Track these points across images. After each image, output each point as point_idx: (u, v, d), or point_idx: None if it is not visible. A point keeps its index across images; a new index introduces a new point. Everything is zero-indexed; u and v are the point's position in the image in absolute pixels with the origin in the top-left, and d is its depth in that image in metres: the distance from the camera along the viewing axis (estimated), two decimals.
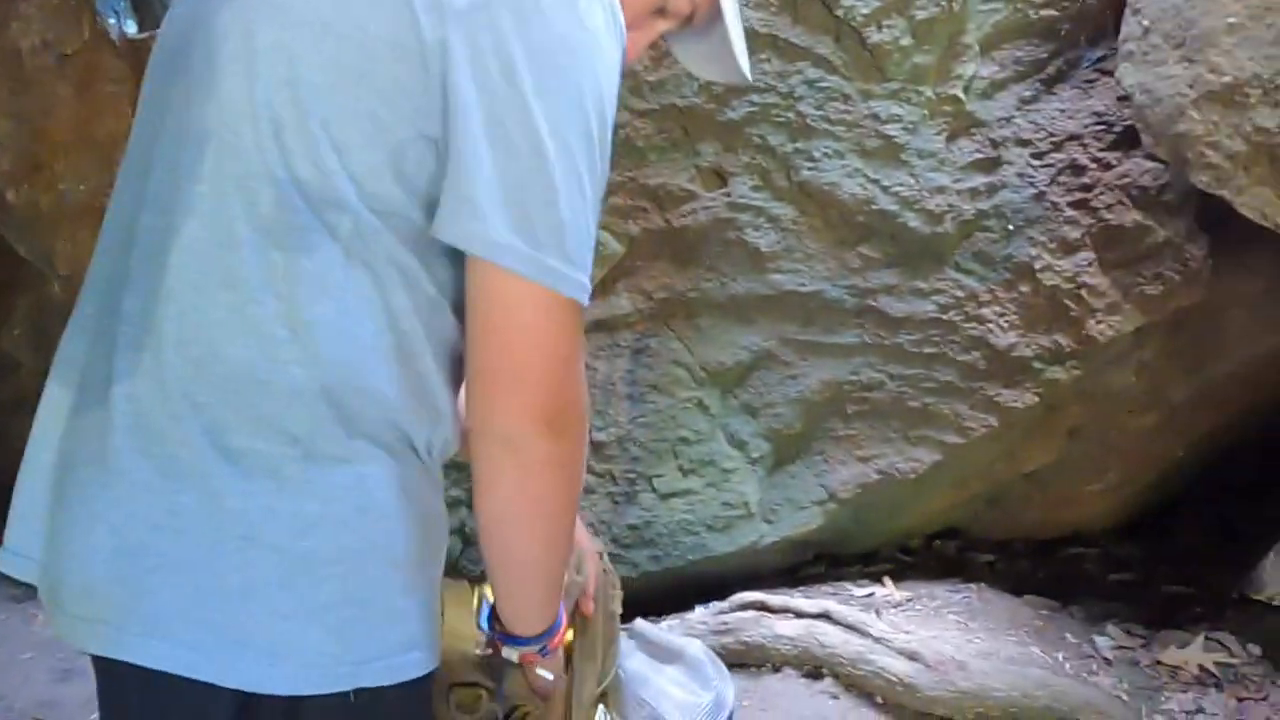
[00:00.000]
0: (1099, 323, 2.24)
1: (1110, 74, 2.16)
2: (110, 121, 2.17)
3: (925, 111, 2.25)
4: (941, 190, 2.26)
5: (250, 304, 0.77)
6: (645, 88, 2.18)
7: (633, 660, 1.20)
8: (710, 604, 2.30)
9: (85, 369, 0.83)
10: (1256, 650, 2.31)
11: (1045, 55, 2.27)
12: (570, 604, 1.04)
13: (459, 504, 1.99)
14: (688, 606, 2.32)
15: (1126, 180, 2.20)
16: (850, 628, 2.15)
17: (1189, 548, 2.80)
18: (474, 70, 0.75)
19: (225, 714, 0.78)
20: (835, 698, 2.10)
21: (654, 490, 2.37)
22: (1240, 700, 2.16)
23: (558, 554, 0.88)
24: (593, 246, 0.81)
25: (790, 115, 2.23)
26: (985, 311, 2.30)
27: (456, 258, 0.81)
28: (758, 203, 2.27)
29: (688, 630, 2.20)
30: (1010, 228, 2.26)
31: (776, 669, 2.17)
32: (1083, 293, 2.24)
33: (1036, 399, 2.31)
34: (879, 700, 2.08)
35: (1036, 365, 2.29)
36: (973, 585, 2.48)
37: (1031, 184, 2.25)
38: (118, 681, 0.83)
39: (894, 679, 2.06)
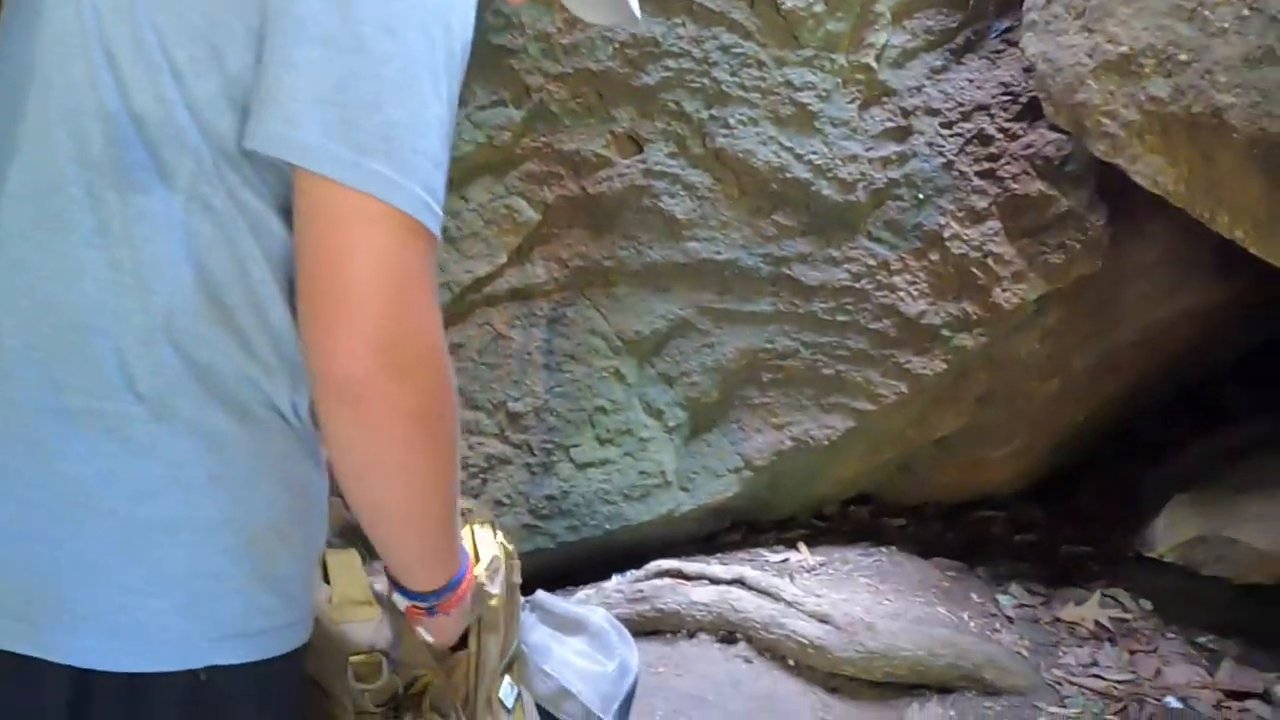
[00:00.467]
0: (1005, 290, 2.29)
1: (1016, 44, 2.19)
2: None
3: (838, 79, 2.26)
4: (854, 159, 2.28)
5: (84, 248, 0.71)
6: (559, 50, 2.14)
7: (535, 633, 1.18)
8: (627, 573, 2.30)
9: None
10: (1148, 605, 2.42)
11: (954, 25, 2.30)
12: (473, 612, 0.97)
13: None
14: (606, 576, 2.32)
15: (1031, 150, 2.25)
16: (763, 593, 2.18)
17: (1090, 509, 2.91)
18: None
19: (60, 694, 0.72)
20: (749, 661, 2.13)
21: (571, 460, 2.35)
22: (1132, 653, 2.27)
23: (435, 506, 0.79)
24: (444, 164, 0.72)
25: (705, 81, 2.21)
26: (896, 280, 2.33)
27: None
28: (674, 170, 2.25)
29: (604, 600, 2.20)
30: (920, 196, 2.29)
31: (692, 635, 2.19)
32: (989, 261, 2.28)
33: (946, 366, 2.36)
34: (791, 663, 2.12)
35: (945, 333, 2.34)
36: (884, 549, 2.53)
37: (941, 153, 2.28)
38: None
39: (805, 641, 2.10)
